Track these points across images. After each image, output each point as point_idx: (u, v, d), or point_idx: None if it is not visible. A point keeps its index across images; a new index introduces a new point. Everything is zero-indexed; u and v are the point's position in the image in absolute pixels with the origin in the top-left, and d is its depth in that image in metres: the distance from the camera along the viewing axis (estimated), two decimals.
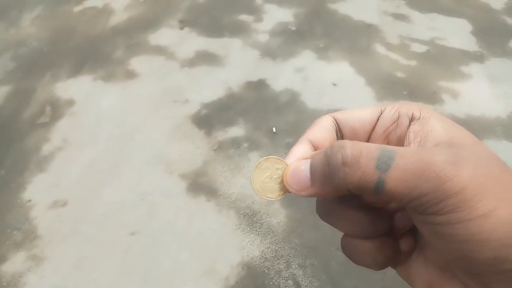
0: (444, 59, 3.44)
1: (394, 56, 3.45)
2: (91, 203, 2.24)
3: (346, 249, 0.36)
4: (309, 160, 0.33)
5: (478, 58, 3.48)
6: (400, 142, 0.34)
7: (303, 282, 1.94)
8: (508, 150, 2.69)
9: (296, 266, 2.00)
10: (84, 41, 3.38)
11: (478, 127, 2.80)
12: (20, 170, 2.39)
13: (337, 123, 0.38)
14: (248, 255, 2.03)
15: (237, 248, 2.06)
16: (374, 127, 0.36)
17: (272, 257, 2.03)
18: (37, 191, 2.29)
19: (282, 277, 1.96)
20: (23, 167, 2.41)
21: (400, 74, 3.26)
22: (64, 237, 2.09)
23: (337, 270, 1.99)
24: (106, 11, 3.73)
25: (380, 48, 3.53)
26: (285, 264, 2.01)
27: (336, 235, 2.19)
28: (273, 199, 0.39)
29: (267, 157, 0.38)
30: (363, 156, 0.28)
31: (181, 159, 2.48)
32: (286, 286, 1.93)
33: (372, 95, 3.03)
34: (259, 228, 2.15)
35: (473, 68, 3.34)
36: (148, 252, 2.03)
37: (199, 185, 2.34)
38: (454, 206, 0.26)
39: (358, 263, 0.35)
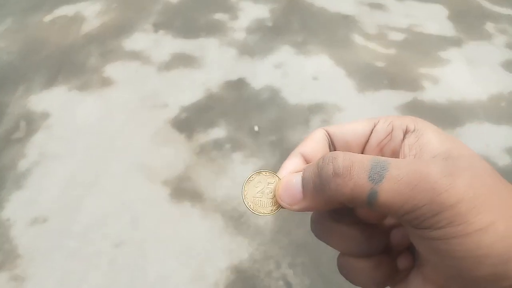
0: (423, 46, 3.45)
1: (372, 45, 3.45)
2: (73, 216, 2.18)
3: (342, 268, 0.35)
4: (301, 173, 0.33)
5: (456, 42, 3.50)
6: (395, 155, 0.34)
7: (294, 281, 1.92)
8: (491, 132, 2.70)
9: (286, 265, 1.97)
10: (57, 51, 3.29)
11: (460, 111, 2.81)
12: None
13: (330, 136, 0.38)
14: (236, 258, 1.99)
15: (225, 251, 2.02)
16: (367, 140, 0.36)
17: (261, 258, 2.00)
18: (16, 209, 2.22)
19: (273, 278, 1.93)
20: (0, 186, 2.33)
21: (379, 64, 3.25)
22: (46, 253, 2.03)
23: (328, 266, 1.96)
24: (77, 19, 3.64)
25: (358, 39, 3.52)
26: (275, 264, 1.98)
27: None
28: (266, 215, 0.37)
29: (259, 171, 0.37)
30: (355, 167, 0.28)
31: (163, 165, 2.43)
32: (277, 286, 1.90)
33: (353, 87, 3.02)
34: (247, 230, 2.11)
35: (452, 53, 3.36)
36: (133, 263, 1.98)
37: (183, 190, 2.29)
38: (450, 219, 0.25)
39: (356, 283, 0.34)
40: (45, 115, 2.75)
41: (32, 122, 2.70)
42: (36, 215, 2.19)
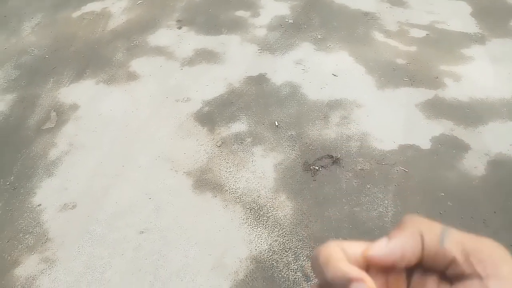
0: (445, 43, 3.41)
1: (393, 42, 3.43)
2: (100, 204, 2.28)
3: None
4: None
5: (479, 39, 3.44)
6: None
7: (312, 274, 1.96)
8: None
9: (304, 258, 2.02)
10: (85, 46, 3.41)
11: (483, 110, 2.78)
12: (28, 176, 2.44)
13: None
14: (256, 249, 2.05)
15: (245, 242, 2.08)
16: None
17: (280, 250, 2.05)
18: (47, 195, 2.34)
19: (291, 269, 1.98)
20: (32, 173, 2.45)
21: (400, 61, 3.24)
22: (75, 238, 2.14)
23: None
24: (104, 15, 3.76)
25: (378, 36, 3.51)
26: (293, 256, 2.03)
27: (342, 224, 2.20)
28: None
29: None
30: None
31: (186, 157, 2.51)
32: (295, 278, 1.95)
33: (373, 83, 3.03)
34: (266, 222, 2.17)
35: (475, 50, 3.31)
36: (157, 250, 2.06)
37: (205, 181, 2.37)
38: None
39: None
40: (74, 107, 2.87)
41: (62, 113, 2.82)
42: (66, 202, 2.30)
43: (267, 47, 3.34)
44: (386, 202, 2.25)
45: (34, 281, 1.96)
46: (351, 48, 3.36)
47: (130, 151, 2.56)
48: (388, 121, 2.72)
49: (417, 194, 2.30)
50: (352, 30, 3.58)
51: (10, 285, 1.95)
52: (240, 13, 3.77)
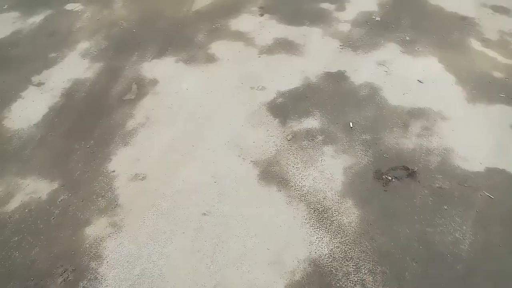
0: None
1: (491, 53, 3.11)
2: (168, 179, 2.35)
3: None
4: None
5: None
6: None
7: None
8: None
9: (366, 271, 1.92)
10: (170, 24, 3.51)
11: None
12: (106, 142, 2.57)
13: None
14: (316, 252, 1.99)
15: (305, 243, 2.02)
16: None
17: (341, 257, 1.97)
18: (121, 163, 2.45)
19: (350, 280, 1.89)
20: (110, 140, 2.59)
21: (497, 74, 2.93)
22: (141, 209, 2.22)
23: (411, 284, 1.86)
24: None
25: (475, 44, 3.19)
26: (354, 267, 1.93)
27: (411, 243, 2.04)
28: None
29: None
30: None
31: (255, 145, 2.49)
32: None
33: (463, 96, 2.77)
34: (329, 226, 2.09)
35: None
36: (217, 234, 2.08)
37: (271, 173, 2.33)
38: None
39: None
40: (154, 82, 2.97)
41: (142, 87, 2.94)
42: (137, 172, 2.40)
43: (349, 43, 3.19)
44: (465, 228, 2.06)
45: (101, 242, 2.08)
46: (442, 54, 3.09)
47: (201, 132, 2.60)
48: (477, 139, 2.47)
49: (501, 225, 2.07)
50: (445, 34, 3.29)
51: (80, 242, 2.08)
52: (325, 5, 3.64)
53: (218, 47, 3.23)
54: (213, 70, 3.04)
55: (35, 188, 2.31)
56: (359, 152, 2.41)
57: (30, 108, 2.80)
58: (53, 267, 1.97)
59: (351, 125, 2.56)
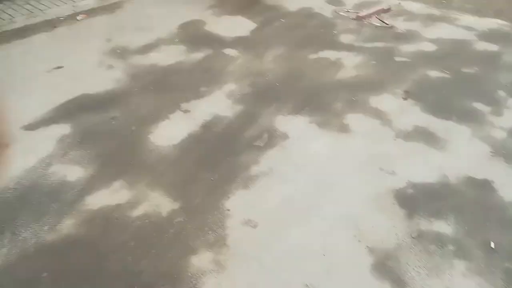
0: None
1: None
2: (278, 235, 2.30)
3: None
4: None
5: None
6: None
7: None
8: None
9: None
10: (311, 86, 3.66)
11: None
12: (229, 180, 2.68)
13: None
14: None
15: None
16: None
17: None
18: (237, 204, 2.51)
19: None
20: (232, 179, 2.69)
21: None
22: (246, 257, 2.19)
23: None
24: (337, 64, 3.98)
25: None
26: None
27: None
28: None
29: None
30: None
31: (374, 231, 2.32)
32: None
33: None
34: None
35: None
36: None
37: (387, 268, 2.12)
38: None
39: None
40: (284, 136, 3.07)
41: (272, 138, 3.05)
42: (250, 218, 2.41)
43: (503, 153, 2.88)
44: None
45: (202, 276, 2.08)
46: None
47: (320, 198, 2.53)
48: None
49: None
50: None
51: (184, 268, 2.12)
52: (478, 105, 3.41)
53: (353, 119, 3.22)
54: (344, 140, 3.01)
55: (159, 202, 2.48)
56: (499, 282, 2.05)
57: (173, 130, 3.10)
58: (156, 284, 2.03)
59: (493, 246, 2.22)
